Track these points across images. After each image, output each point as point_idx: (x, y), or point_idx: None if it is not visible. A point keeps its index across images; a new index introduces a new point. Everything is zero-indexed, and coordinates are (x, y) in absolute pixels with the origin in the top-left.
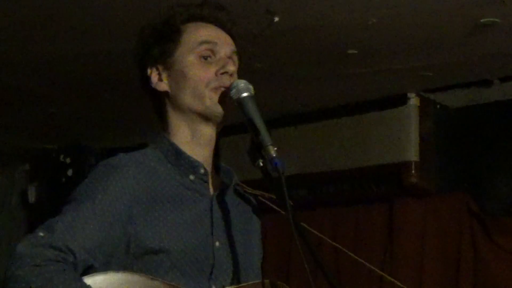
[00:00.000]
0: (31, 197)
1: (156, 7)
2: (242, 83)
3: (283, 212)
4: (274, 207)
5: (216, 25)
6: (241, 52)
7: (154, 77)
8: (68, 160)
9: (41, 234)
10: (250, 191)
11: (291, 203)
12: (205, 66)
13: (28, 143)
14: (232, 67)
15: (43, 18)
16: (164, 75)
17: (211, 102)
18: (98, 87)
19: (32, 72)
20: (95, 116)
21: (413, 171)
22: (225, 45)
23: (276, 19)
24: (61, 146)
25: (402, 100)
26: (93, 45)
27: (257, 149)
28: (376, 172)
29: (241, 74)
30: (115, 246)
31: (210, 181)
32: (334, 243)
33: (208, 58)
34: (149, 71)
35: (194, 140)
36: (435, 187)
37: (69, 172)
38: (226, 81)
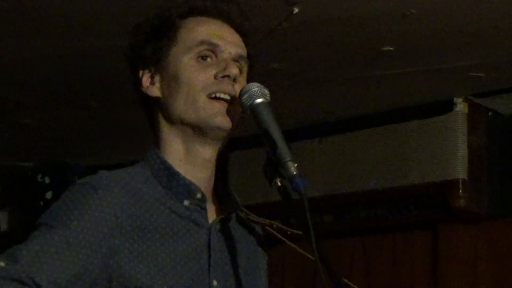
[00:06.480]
0: (3, 224)
1: None
2: (255, 87)
3: (299, 249)
4: (285, 240)
5: (222, 20)
6: (253, 55)
7: (146, 80)
8: (47, 180)
9: (2, 264)
10: (255, 219)
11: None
12: (202, 67)
13: None
14: (234, 70)
15: (14, 10)
16: (156, 78)
17: (206, 113)
18: (83, 92)
19: (2, 75)
20: (80, 127)
21: (461, 191)
22: (229, 45)
23: (296, 10)
24: (39, 164)
25: (447, 106)
26: (78, 42)
27: (274, 166)
28: (417, 193)
29: (254, 76)
30: (92, 282)
31: (208, 208)
32: None
33: (208, 59)
34: (140, 73)
35: (188, 159)
36: (488, 210)
37: (48, 195)
38: (227, 86)
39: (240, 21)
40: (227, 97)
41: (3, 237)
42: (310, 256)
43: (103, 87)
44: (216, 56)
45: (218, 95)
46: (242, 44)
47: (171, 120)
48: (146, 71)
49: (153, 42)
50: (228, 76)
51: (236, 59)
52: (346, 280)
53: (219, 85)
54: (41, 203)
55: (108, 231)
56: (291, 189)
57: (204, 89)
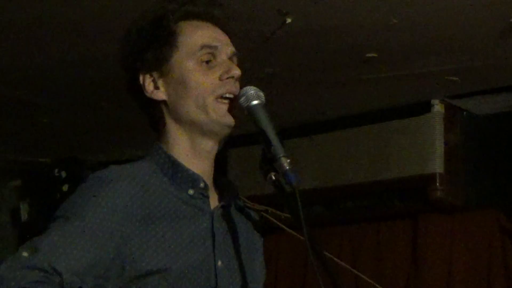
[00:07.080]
0: (23, 214)
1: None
2: (252, 90)
3: (290, 230)
4: (279, 223)
5: (212, 23)
6: (240, 52)
7: (149, 86)
8: (63, 174)
9: (25, 254)
10: (251, 206)
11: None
12: (207, 71)
13: (20, 156)
14: (237, 71)
15: (32, 20)
16: (160, 83)
17: (217, 115)
18: (95, 94)
19: (22, 80)
20: (92, 126)
21: (438, 184)
22: (225, 45)
23: (289, 20)
24: (56, 160)
25: (426, 107)
26: (89, 48)
27: (269, 161)
28: (398, 186)
29: (250, 80)
30: (107, 268)
31: (210, 196)
32: (353, 270)
33: (209, 62)
34: (141, 78)
35: (193, 153)
36: (463, 202)
37: (65, 187)
38: (232, 87)
39: (227, 22)
40: (231, 95)
41: (24, 226)
42: (301, 237)
43: (113, 89)
44: (215, 58)
45: (224, 95)
46: (231, 42)
47: (179, 120)
48: (147, 76)
49: (154, 49)
50: (232, 77)
51: (231, 57)
52: (333, 257)
53: (224, 87)
54: (58, 195)
55: (120, 221)
56: (284, 183)
57: (212, 92)
